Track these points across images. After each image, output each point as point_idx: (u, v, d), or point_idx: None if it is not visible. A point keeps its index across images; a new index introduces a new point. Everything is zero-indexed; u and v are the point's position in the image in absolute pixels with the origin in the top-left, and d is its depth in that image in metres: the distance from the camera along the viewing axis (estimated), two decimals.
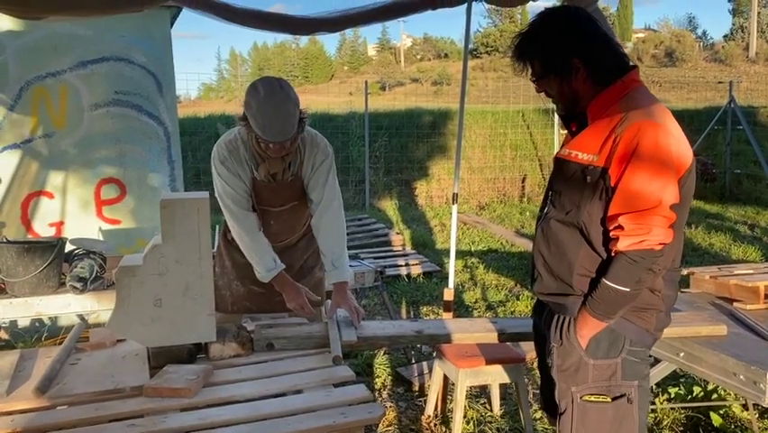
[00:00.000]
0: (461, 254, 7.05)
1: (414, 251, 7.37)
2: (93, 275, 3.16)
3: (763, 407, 2.91)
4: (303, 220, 2.89)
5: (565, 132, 2.11)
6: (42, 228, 4.28)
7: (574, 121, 1.97)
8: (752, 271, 3.24)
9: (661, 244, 1.74)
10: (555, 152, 2.10)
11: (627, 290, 1.78)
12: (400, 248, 7.46)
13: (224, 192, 2.66)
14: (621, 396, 1.90)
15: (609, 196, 1.78)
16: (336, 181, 2.83)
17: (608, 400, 1.90)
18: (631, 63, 1.94)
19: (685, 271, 3.41)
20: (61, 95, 4.23)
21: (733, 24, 39.93)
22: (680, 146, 1.79)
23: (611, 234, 1.80)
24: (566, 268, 1.91)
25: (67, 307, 3.13)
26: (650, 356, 2.02)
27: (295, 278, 2.84)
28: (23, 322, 4.08)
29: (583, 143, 1.87)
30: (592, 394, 1.91)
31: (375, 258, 6.40)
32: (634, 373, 1.91)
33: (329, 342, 2.37)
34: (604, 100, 1.86)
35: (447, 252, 4.91)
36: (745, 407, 3.27)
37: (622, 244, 1.76)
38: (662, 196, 1.72)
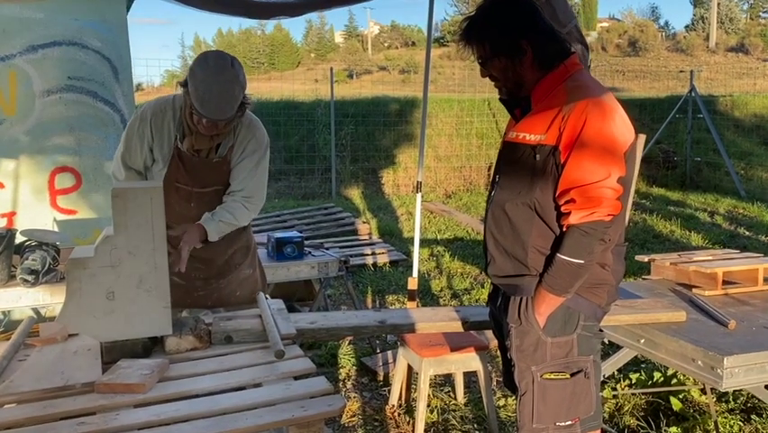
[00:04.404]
0: (427, 243, 7.06)
1: (380, 240, 7.35)
2: (45, 267, 3.06)
3: (720, 391, 2.97)
4: None
5: None
6: None
7: (517, 107, 2.05)
8: (710, 258, 3.30)
9: (610, 215, 1.83)
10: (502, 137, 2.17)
11: (582, 261, 1.86)
12: (366, 237, 7.44)
13: (122, 143, 2.65)
14: (579, 371, 1.98)
15: (559, 172, 1.86)
16: (264, 179, 2.72)
17: (567, 376, 1.97)
18: (572, 49, 2.04)
19: (646, 258, 3.47)
20: (11, 80, 4.06)
21: (694, 15, 40.58)
22: (624, 123, 1.89)
23: (563, 208, 1.87)
24: (520, 247, 1.97)
25: (17, 300, 3.03)
26: (600, 330, 2.09)
27: (218, 274, 2.78)
28: None
29: (530, 125, 1.95)
30: (552, 372, 1.97)
31: (341, 247, 6.37)
32: (589, 348, 2.00)
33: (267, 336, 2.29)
34: (548, 83, 1.94)
35: (414, 240, 4.90)
36: (703, 391, 3.33)
37: (574, 218, 1.84)
38: (609, 169, 1.81)
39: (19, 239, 3.23)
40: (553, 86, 1.93)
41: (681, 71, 19.66)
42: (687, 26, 41.57)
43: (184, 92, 2.46)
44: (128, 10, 4.43)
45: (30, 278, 2.96)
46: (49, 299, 3.04)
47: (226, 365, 2.14)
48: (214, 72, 2.37)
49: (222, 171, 2.66)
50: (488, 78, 2.05)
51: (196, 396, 1.94)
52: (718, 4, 35.59)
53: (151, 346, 2.23)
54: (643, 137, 4.60)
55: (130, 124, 2.65)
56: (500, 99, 2.12)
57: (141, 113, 2.62)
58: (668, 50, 34.57)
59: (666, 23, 52.58)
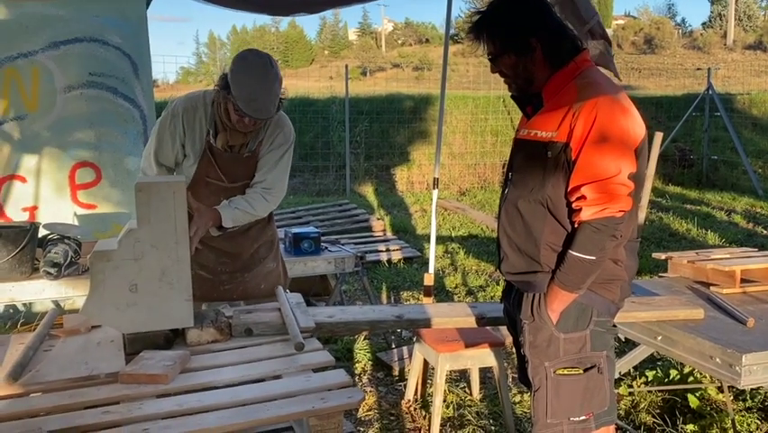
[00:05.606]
0: (441, 240, 7.06)
1: (394, 236, 7.36)
2: (67, 261, 3.11)
3: (737, 389, 2.95)
4: None
5: None
6: (15, 213, 4.19)
7: (529, 104, 2.06)
8: (728, 256, 3.28)
9: (621, 211, 1.84)
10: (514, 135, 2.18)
11: (594, 258, 1.86)
12: (381, 234, 7.45)
13: (154, 139, 2.66)
14: (592, 367, 1.98)
15: (571, 169, 1.87)
16: (285, 173, 2.76)
17: (581, 371, 1.98)
18: (582, 46, 2.04)
19: (663, 256, 3.45)
20: (33, 76, 4.12)
21: (711, 12, 40.14)
22: (634, 119, 1.89)
23: (574, 204, 1.88)
24: (532, 244, 1.98)
25: (41, 292, 3.09)
26: (614, 326, 2.10)
27: (243, 267, 2.81)
28: None
29: (542, 122, 1.96)
30: (565, 368, 1.98)
31: (356, 243, 6.39)
32: (602, 344, 2.00)
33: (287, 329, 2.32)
34: (559, 80, 1.95)
35: (428, 237, 4.92)
36: (720, 389, 3.31)
37: (585, 214, 1.85)
38: (620, 165, 1.82)
39: (41, 233, 3.28)
40: (564, 83, 1.94)
41: (697, 69, 19.47)
42: (704, 23, 41.13)
43: (221, 93, 2.50)
44: (147, 7, 4.48)
45: (53, 271, 3.01)
46: (71, 291, 3.10)
47: (246, 357, 2.17)
48: (257, 72, 2.44)
49: (250, 166, 2.71)
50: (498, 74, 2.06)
51: (217, 387, 1.97)
52: (736, 1, 35.17)
53: (173, 338, 2.26)
54: (659, 135, 4.59)
55: (161, 121, 2.67)
56: (512, 96, 2.12)
57: (173, 109, 2.65)
58: (684, 48, 34.24)
59: (683, 20, 52.06)
